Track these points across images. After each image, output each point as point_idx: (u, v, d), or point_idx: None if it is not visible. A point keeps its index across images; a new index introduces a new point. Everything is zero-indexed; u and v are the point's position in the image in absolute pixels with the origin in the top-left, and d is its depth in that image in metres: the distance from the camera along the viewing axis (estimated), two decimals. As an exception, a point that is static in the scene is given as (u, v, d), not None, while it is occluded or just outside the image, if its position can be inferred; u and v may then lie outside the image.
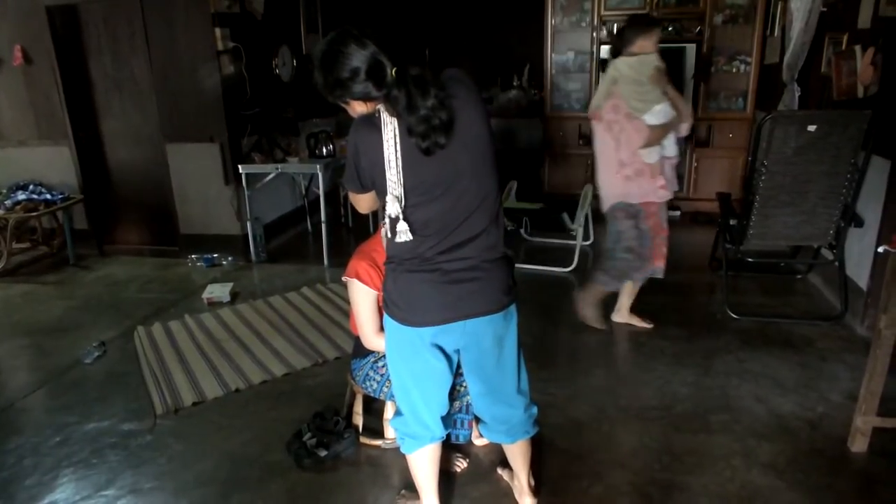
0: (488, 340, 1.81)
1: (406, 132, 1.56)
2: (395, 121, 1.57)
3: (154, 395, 3.06)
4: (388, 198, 1.61)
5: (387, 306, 1.80)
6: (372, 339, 2.32)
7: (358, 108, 1.65)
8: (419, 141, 1.55)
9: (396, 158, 1.57)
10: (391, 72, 1.54)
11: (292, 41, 5.75)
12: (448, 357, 1.84)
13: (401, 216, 1.62)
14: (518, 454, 2.10)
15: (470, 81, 1.65)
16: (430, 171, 1.61)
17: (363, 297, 2.28)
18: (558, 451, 2.51)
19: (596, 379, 3.06)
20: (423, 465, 2.01)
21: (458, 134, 1.59)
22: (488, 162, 1.68)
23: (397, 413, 2.00)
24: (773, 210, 3.45)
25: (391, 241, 1.71)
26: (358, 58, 1.54)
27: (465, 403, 2.32)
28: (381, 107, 1.59)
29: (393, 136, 1.57)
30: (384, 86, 1.56)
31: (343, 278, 2.32)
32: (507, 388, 1.93)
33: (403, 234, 1.64)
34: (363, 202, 1.81)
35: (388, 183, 1.60)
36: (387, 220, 1.66)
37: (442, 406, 1.94)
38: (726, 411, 2.76)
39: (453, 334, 1.77)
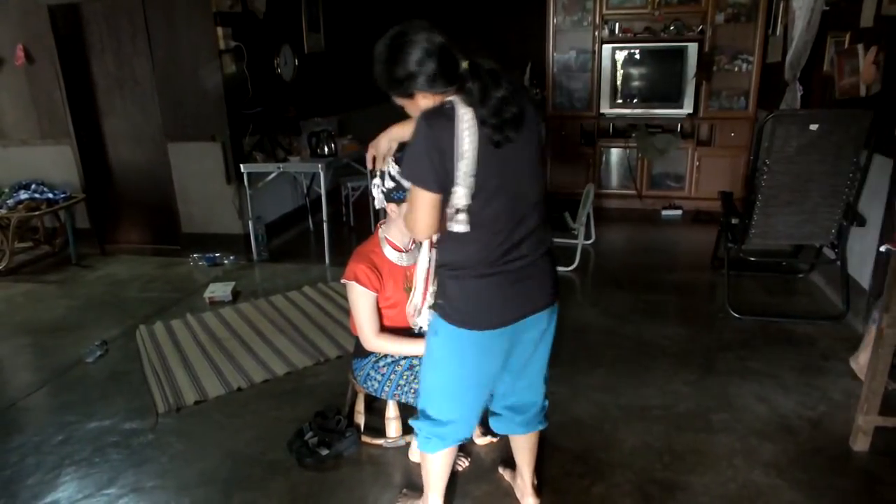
0: (536, 334, 1.83)
1: (480, 123, 1.55)
2: (470, 111, 1.55)
3: (156, 393, 3.06)
4: (459, 189, 1.57)
5: (448, 315, 1.74)
6: (372, 340, 2.32)
7: (421, 102, 1.62)
8: (492, 133, 1.55)
9: (472, 150, 1.55)
10: (463, 64, 1.56)
11: (294, 40, 5.75)
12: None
13: (467, 207, 1.59)
14: (527, 448, 2.10)
15: (522, 83, 1.67)
16: (499, 166, 1.60)
17: (362, 300, 2.28)
18: (560, 450, 2.51)
19: (597, 378, 3.06)
20: (443, 465, 2.01)
21: (523, 130, 1.62)
22: (540, 161, 1.73)
23: (425, 416, 1.93)
24: (775, 209, 3.45)
25: (454, 245, 1.68)
26: (430, 48, 1.55)
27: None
28: (454, 98, 1.57)
29: (469, 126, 1.54)
30: (457, 77, 1.56)
31: (342, 281, 2.32)
32: (536, 378, 1.95)
33: (463, 226, 1.60)
34: (427, 213, 1.60)
35: (459, 174, 1.56)
36: (452, 210, 1.61)
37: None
38: (728, 410, 2.76)
39: (514, 332, 1.77)
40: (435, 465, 2.00)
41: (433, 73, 1.56)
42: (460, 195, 1.58)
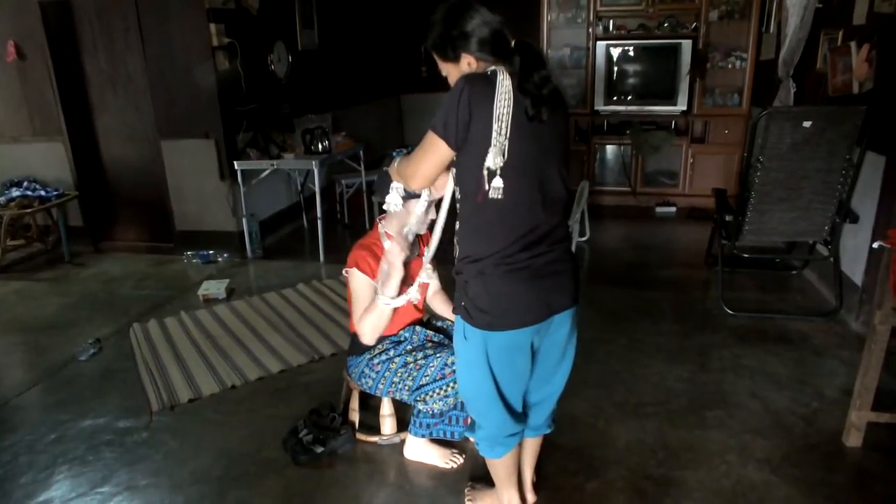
0: (564, 334, 1.82)
1: (519, 92, 1.59)
2: (510, 79, 1.59)
3: (150, 391, 3.05)
4: (492, 150, 1.56)
5: (473, 319, 1.72)
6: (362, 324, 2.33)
7: (465, 67, 1.69)
8: (530, 105, 1.59)
9: (508, 115, 1.57)
10: (512, 42, 1.66)
11: (287, 37, 5.72)
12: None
13: (499, 171, 1.58)
14: (532, 449, 2.12)
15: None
16: (529, 142, 1.61)
17: (363, 286, 2.30)
18: (554, 447, 2.51)
19: (592, 375, 3.06)
20: (512, 463, 2.00)
21: (554, 117, 1.65)
22: (566, 157, 1.75)
23: (481, 427, 1.93)
24: (769, 206, 3.46)
25: (475, 233, 1.68)
26: (488, 19, 1.66)
27: (460, 400, 2.32)
28: (498, 67, 1.61)
29: (507, 91, 1.57)
30: (505, 51, 1.64)
31: (344, 271, 2.35)
32: (558, 382, 1.93)
33: (498, 191, 1.60)
34: (432, 163, 1.66)
35: (494, 136, 1.56)
36: (484, 173, 1.59)
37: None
38: (722, 407, 2.77)
39: (541, 330, 1.76)
40: (504, 465, 1.99)
41: (485, 38, 1.65)
42: (493, 155, 1.57)
